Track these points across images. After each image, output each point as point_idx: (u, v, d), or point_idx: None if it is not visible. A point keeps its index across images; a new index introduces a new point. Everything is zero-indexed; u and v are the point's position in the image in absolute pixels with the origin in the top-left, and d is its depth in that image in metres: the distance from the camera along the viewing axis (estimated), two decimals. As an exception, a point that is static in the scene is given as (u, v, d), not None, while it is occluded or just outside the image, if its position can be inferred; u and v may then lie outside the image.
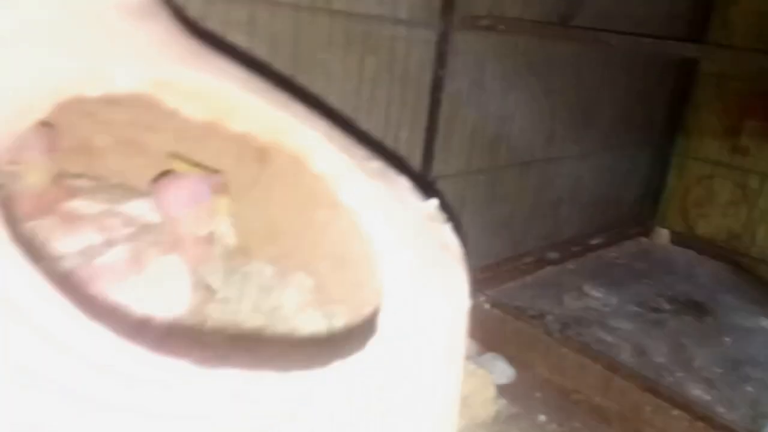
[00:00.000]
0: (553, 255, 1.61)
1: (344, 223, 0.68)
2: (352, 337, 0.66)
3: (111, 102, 0.34)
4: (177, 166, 0.65)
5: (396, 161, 0.51)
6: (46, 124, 0.60)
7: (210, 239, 0.70)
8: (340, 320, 0.69)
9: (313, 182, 0.71)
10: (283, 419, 0.22)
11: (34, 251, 0.57)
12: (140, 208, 0.67)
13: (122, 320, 0.54)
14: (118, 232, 0.61)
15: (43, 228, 0.58)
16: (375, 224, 0.36)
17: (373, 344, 0.28)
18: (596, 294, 1.50)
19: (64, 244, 0.58)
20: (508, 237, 1.54)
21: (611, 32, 1.41)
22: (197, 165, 0.67)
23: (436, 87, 1.22)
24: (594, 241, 1.75)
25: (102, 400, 0.19)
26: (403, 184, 0.46)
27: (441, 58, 1.20)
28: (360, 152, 0.45)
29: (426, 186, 1.23)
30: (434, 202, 0.48)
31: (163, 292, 0.59)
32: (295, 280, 0.75)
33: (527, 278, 1.49)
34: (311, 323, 0.72)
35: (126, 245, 0.59)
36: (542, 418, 1.01)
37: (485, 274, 1.42)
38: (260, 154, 0.76)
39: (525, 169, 1.51)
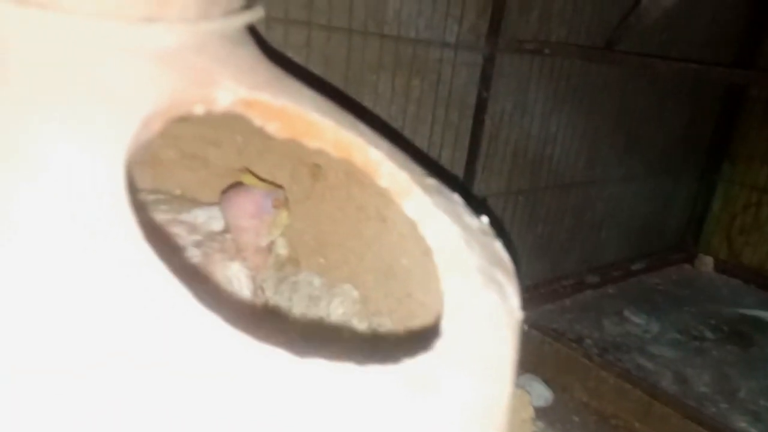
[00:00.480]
0: (592, 279, 1.60)
1: (393, 237, 0.71)
2: (396, 346, 0.69)
3: (181, 119, 0.38)
4: (246, 179, 0.70)
5: (446, 179, 0.54)
6: None
7: (269, 250, 0.74)
8: (384, 332, 0.71)
9: (363, 197, 0.75)
10: (359, 410, 0.25)
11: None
12: (202, 217, 0.72)
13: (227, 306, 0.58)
14: (183, 239, 0.66)
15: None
16: (437, 238, 0.39)
17: (432, 349, 0.30)
18: (637, 320, 1.48)
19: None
20: (548, 259, 1.53)
21: (658, 57, 1.41)
22: (264, 180, 0.71)
23: (480, 108, 1.25)
24: (635, 266, 1.73)
25: (212, 384, 0.22)
26: (457, 200, 0.48)
27: (486, 81, 1.22)
28: (418, 169, 0.48)
29: (476, 203, 1.26)
30: (485, 219, 0.50)
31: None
32: (342, 291, 0.78)
33: (566, 301, 1.49)
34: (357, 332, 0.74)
35: (196, 250, 0.63)
36: (580, 441, 1.00)
37: (523, 296, 1.42)
38: (313, 170, 0.80)
39: (566, 191, 1.51)
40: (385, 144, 0.46)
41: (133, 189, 0.75)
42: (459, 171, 1.30)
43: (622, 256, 1.74)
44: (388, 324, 0.71)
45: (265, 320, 0.67)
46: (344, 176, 0.76)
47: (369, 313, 0.74)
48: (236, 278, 0.67)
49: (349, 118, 0.45)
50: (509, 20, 1.22)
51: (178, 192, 0.81)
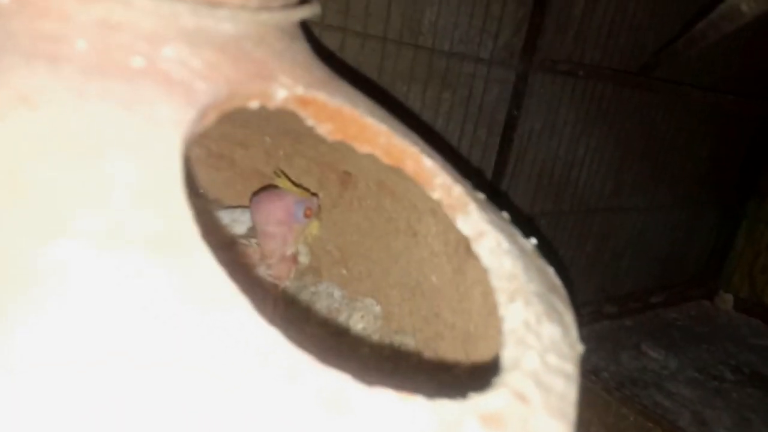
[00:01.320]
0: (610, 309, 1.56)
1: (423, 252, 0.68)
2: (420, 370, 0.65)
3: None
4: (280, 183, 0.67)
5: (491, 195, 0.51)
6: None
7: (295, 259, 0.71)
8: (407, 351, 0.68)
9: (393, 209, 0.72)
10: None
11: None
12: (225, 219, 0.69)
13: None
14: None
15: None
16: (493, 258, 0.36)
17: (498, 384, 0.27)
18: (655, 355, 1.44)
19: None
20: (566, 285, 1.49)
21: (692, 86, 1.38)
22: (298, 185, 0.68)
23: (509, 126, 1.22)
24: (654, 299, 1.69)
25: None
26: (506, 218, 0.45)
27: (517, 98, 1.20)
28: (468, 183, 0.45)
29: (523, 223, 1.23)
30: (534, 241, 0.47)
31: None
32: (364, 305, 0.75)
33: (582, 330, 1.43)
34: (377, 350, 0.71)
35: (220, 252, 0.61)
36: (597, 479, 0.96)
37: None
38: (343, 178, 0.78)
39: (589, 216, 1.48)
40: (437, 156, 0.43)
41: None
42: (484, 189, 1.27)
43: (641, 288, 1.70)
44: (411, 343, 0.68)
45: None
46: (375, 186, 0.73)
47: (391, 331, 0.71)
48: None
49: (403, 127, 0.42)
50: (544, 40, 1.20)
51: (200, 191, 0.78)
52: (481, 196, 0.44)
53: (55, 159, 0.21)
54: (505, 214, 0.47)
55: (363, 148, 0.40)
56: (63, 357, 0.17)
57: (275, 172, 0.69)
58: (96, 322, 0.18)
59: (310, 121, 0.38)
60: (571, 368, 0.31)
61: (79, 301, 0.18)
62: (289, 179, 0.69)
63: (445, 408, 0.23)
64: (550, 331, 0.32)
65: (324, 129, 0.38)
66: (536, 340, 0.31)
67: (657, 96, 1.44)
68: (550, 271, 0.42)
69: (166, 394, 0.17)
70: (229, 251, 0.62)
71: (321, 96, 0.36)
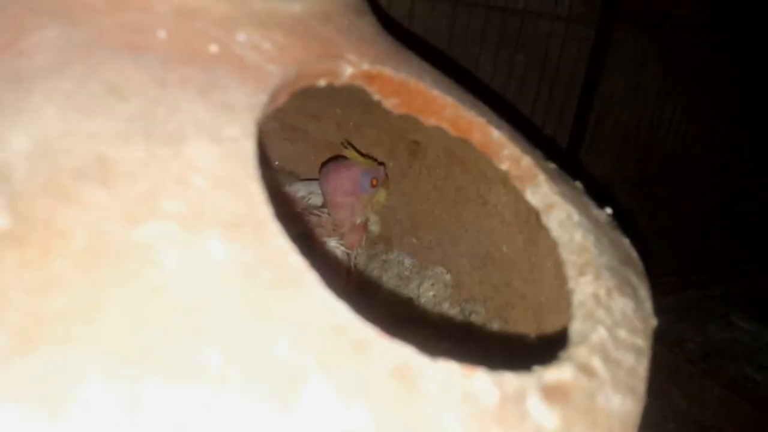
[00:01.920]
0: (698, 277, 1.47)
1: (493, 222, 0.68)
2: (492, 337, 0.65)
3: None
4: (348, 153, 0.68)
5: (565, 163, 0.49)
6: None
7: (365, 228, 0.73)
8: (478, 319, 0.68)
9: (463, 178, 0.71)
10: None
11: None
12: (302, 191, 0.72)
13: None
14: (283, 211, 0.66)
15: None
16: (563, 230, 0.35)
17: (565, 358, 0.27)
18: (746, 326, 1.35)
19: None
20: (650, 253, 1.43)
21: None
22: (365, 155, 0.70)
23: (589, 88, 1.16)
24: (747, 267, 1.57)
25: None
26: (581, 189, 0.44)
27: (597, 57, 1.14)
28: (538, 152, 0.44)
29: (597, 192, 1.19)
30: (609, 211, 0.46)
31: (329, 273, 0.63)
32: (434, 273, 0.76)
33: (667, 300, 1.38)
34: (448, 317, 0.72)
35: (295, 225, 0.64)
36: (676, 452, 0.93)
37: (619, 289, 1.33)
38: (413, 147, 0.78)
39: (677, 181, 1.39)
40: (506, 126, 0.42)
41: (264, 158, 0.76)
42: (560, 156, 1.22)
43: (733, 255, 1.59)
44: (481, 312, 0.68)
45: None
46: (444, 155, 0.73)
47: (461, 299, 0.71)
48: (336, 255, 0.66)
49: (470, 97, 0.42)
50: (628, -9, 1.12)
51: (275, 164, 0.81)
52: (553, 165, 0.43)
53: (141, 146, 0.23)
54: (578, 184, 0.45)
55: (429, 121, 0.40)
56: (147, 333, 0.19)
57: (342, 143, 0.70)
58: (177, 300, 0.19)
59: (376, 96, 0.38)
60: (642, 343, 0.30)
61: (164, 280, 0.20)
62: (356, 149, 0.70)
63: (508, 381, 0.23)
64: (622, 305, 0.31)
65: (390, 103, 0.38)
66: (606, 314, 0.30)
67: (754, 49, 1.31)
68: (625, 242, 0.41)
69: (241, 371, 0.19)
70: (301, 224, 0.65)
71: (386, 70, 0.36)
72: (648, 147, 1.30)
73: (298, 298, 0.22)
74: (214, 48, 0.28)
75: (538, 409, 0.23)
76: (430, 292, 0.75)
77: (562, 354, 0.28)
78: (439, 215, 0.75)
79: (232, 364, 0.19)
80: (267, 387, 0.19)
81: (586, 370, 0.26)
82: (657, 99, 1.25)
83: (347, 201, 0.68)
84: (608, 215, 0.44)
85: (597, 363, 0.27)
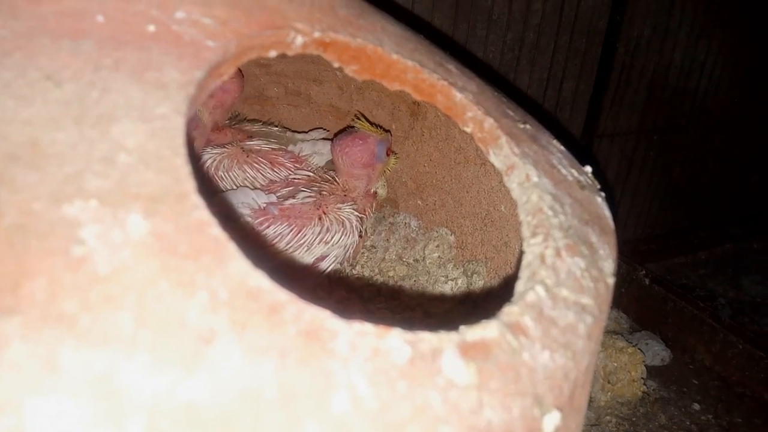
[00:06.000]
0: (734, 230, 1.42)
1: (492, 181, 0.67)
2: (490, 297, 0.66)
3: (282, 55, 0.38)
4: (360, 125, 0.70)
5: (552, 123, 0.48)
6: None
7: (375, 194, 0.75)
8: (479, 279, 0.69)
9: (463, 139, 0.71)
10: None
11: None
12: (307, 150, 0.74)
13: (293, 264, 0.62)
14: (286, 171, 0.68)
15: (223, 157, 0.67)
16: (520, 191, 0.35)
17: (508, 307, 0.28)
18: (785, 280, 1.30)
19: (238, 174, 0.67)
20: (683, 206, 1.38)
21: None
22: (376, 126, 0.71)
23: (612, 34, 1.11)
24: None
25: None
26: (556, 148, 0.43)
27: (620, 1, 1.08)
28: (512, 114, 0.43)
29: (582, 150, 1.15)
30: (588, 169, 0.45)
31: (342, 236, 0.66)
32: (439, 234, 0.77)
33: (701, 254, 1.34)
34: (451, 278, 0.73)
35: (308, 191, 0.66)
36: (696, 406, 0.92)
37: (649, 246, 1.30)
38: (414, 109, 0.77)
39: (711, 130, 1.32)
40: (474, 86, 0.42)
41: (241, 119, 0.78)
42: (583, 105, 1.18)
43: (776, 206, 1.52)
44: (482, 272, 0.69)
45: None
46: (444, 115, 0.72)
47: (464, 260, 0.72)
48: (348, 220, 0.68)
49: (437, 58, 0.42)
50: (654, -73, 1.05)
51: (281, 127, 0.83)
52: (527, 126, 0.43)
53: (72, 129, 0.24)
54: (556, 144, 0.45)
55: (392, 86, 0.40)
56: (72, 300, 0.21)
57: (356, 116, 0.72)
58: (94, 271, 0.21)
59: (336, 63, 0.38)
60: (588, 301, 0.31)
61: (84, 253, 0.22)
62: (367, 120, 0.72)
63: (423, 339, 0.25)
64: (570, 264, 0.32)
65: (350, 69, 0.39)
66: (549, 273, 0.30)
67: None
68: (596, 201, 0.40)
69: (151, 334, 0.21)
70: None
71: (341, 37, 0.36)
72: (678, 95, 1.24)
73: (214, 267, 0.23)
74: (151, 28, 0.29)
75: (453, 365, 0.24)
76: (435, 254, 0.76)
77: (501, 311, 0.29)
78: (441, 176, 0.75)
79: (143, 328, 0.21)
80: (175, 348, 0.21)
81: (514, 327, 0.27)
82: (687, 43, 1.18)
83: (365, 172, 0.71)
84: (587, 174, 0.44)
85: (528, 321, 0.28)
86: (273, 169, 0.69)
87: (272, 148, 0.71)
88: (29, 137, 0.24)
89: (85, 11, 0.28)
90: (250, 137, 0.72)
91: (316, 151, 0.77)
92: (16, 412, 0.19)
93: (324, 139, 0.80)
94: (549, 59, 1.11)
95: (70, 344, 0.20)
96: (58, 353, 0.20)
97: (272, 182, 0.69)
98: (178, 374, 0.21)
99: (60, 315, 0.20)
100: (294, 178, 0.71)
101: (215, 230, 0.24)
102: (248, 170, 0.67)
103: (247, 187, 0.66)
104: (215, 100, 0.68)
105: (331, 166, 0.76)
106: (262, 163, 0.69)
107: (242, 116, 0.79)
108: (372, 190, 0.77)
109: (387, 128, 0.76)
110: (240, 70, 0.69)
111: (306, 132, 0.81)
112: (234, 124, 0.74)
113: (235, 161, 0.67)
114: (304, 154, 0.75)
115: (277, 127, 0.80)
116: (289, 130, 0.81)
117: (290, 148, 0.75)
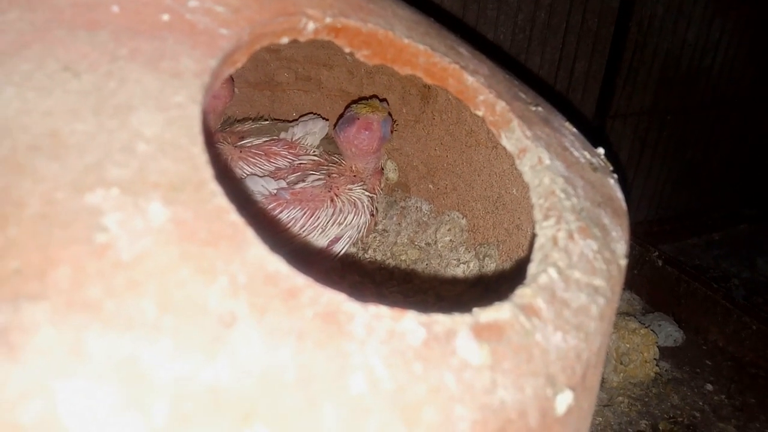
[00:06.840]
0: (749, 211, 1.40)
1: (503, 165, 0.67)
2: (502, 280, 0.67)
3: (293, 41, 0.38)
4: (357, 110, 0.70)
5: (564, 104, 0.48)
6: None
7: (382, 171, 0.75)
8: (491, 262, 0.69)
9: (474, 122, 0.71)
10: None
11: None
12: (299, 133, 0.73)
13: (309, 247, 0.63)
14: (283, 159, 0.68)
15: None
16: (533, 174, 0.35)
17: (512, 297, 0.28)
18: (801, 260, 1.29)
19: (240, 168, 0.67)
20: (697, 187, 1.36)
21: None
22: (381, 108, 0.71)
23: (625, 12, 1.09)
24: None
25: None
26: (568, 130, 0.43)
27: (633, -20, 1.06)
28: (524, 96, 0.43)
29: (595, 132, 1.14)
30: (601, 150, 0.45)
31: (355, 217, 0.66)
32: (450, 218, 0.77)
33: (714, 235, 1.33)
34: (463, 261, 0.73)
35: (317, 174, 0.66)
36: (709, 387, 0.93)
37: (663, 227, 1.29)
38: (424, 92, 0.77)
39: (725, 109, 1.30)
40: (486, 69, 0.41)
41: (231, 122, 0.78)
42: (595, 85, 1.17)
43: (793, 186, 1.50)
44: (494, 255, 0.69)
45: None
46: (455, 98, 0.72)
47: (476, 243, 0.72)
48: (359, 200, 0.69)
49: (448, 41, 0.41)
50: None
51: (294, 114, 0.83)
52: (539, 109, 0.42)
53: (91, 120, 0.25)
54: (568, 126, 0.44)
55: (404, 70, 0.40)
56: (96, 286, 0.22)
57: (358, 104, 0.71)
58: (117, 258, 0.22)
59: (347, 49, 0.38)
60: (601, 282, 0.31)
61: (107, 240, 0.22)
62: (364, 99, 0.71)
63: (438, 321, 0.25)
64: (582, 246, 0.32)
65: (362, 54, 0.39)
66: (562, 256, 0.31)
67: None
68: (610, 182, 0.40)
69: (174, 319, 0.22)
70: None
71: (352, 23, 0.36)
72: (692, 74, 1.22)
73: (233, 253, 0.24)
74: (165, 17, 0.29)
75: (467, 346, 0.25)
76: (446, 237, 0.77)
77: (515, 294, 0.29)
78: (453, 160, 0.75)
79: (165, 313, 0.22)
80: (197, 333, 0.22)
81: (527, 309, 0.27)
82: (702, 22, 1.16)
83: (376, 155, 0.71)
84: (600, 155, 0.44)
85: (540, 303, 0.28)
86: (270, 161, 0.69)
87: (264, 141, 0.71)
88: (50, 128, 0.24)
89: (100, 2, 0.29)
90: (242, 138, 0.71)
91: (308, 132, 0.75)
92: (47, 394, 0.20)
93: (312, 117, 0.79)
94: (561, 39, 1.10)
95: (95, 329, 0.21)
96: (85, 338, 0.21)
97: (278, 169, 0.69)
98: (201, 358, 0.21)
99: (85, 301, 0.21)
100: (300, 163, 0.71)
101: (233, 217, 0.24)
102: (245, 167, 0.67)
103: (256, 175, 0.66)
104: (206, 106, 0.67)
105: (326, 144, 0.75)
106: (257, 155, 0.68)
107: (231, 119, 0.78)
108: (380, 169, 0.78)
109: (383, 98, 0.76)
110: (231, 77, 0.69)
111: (296, 119, 0.81)
112: (225, 129, 0.74)
113: (230, 160, 0.67)
114: (296, 137, 0.74)
115: (267, 120, 0.79)
116: (279, 120, 0.80)
117: (282, 135, 0.74)
